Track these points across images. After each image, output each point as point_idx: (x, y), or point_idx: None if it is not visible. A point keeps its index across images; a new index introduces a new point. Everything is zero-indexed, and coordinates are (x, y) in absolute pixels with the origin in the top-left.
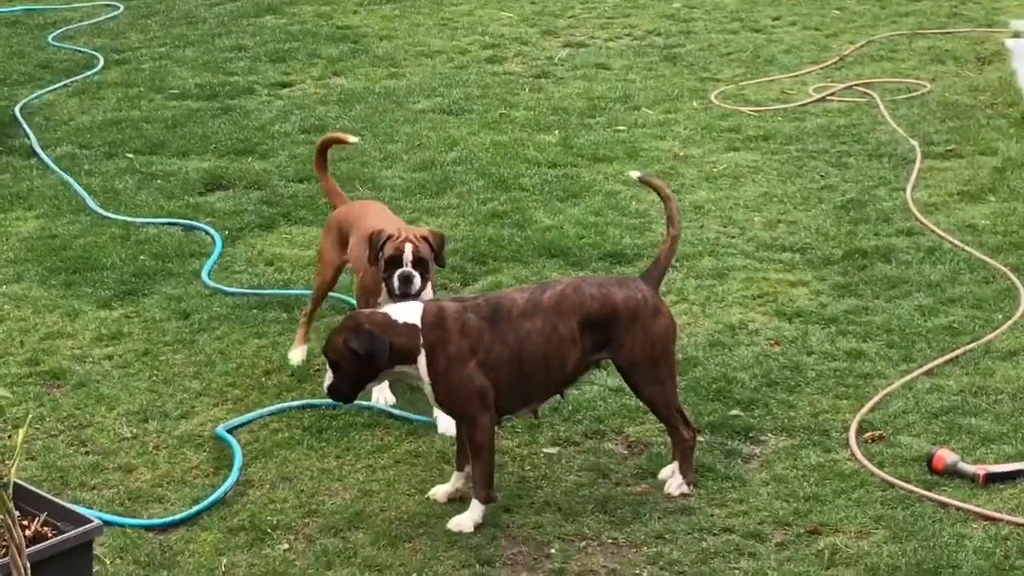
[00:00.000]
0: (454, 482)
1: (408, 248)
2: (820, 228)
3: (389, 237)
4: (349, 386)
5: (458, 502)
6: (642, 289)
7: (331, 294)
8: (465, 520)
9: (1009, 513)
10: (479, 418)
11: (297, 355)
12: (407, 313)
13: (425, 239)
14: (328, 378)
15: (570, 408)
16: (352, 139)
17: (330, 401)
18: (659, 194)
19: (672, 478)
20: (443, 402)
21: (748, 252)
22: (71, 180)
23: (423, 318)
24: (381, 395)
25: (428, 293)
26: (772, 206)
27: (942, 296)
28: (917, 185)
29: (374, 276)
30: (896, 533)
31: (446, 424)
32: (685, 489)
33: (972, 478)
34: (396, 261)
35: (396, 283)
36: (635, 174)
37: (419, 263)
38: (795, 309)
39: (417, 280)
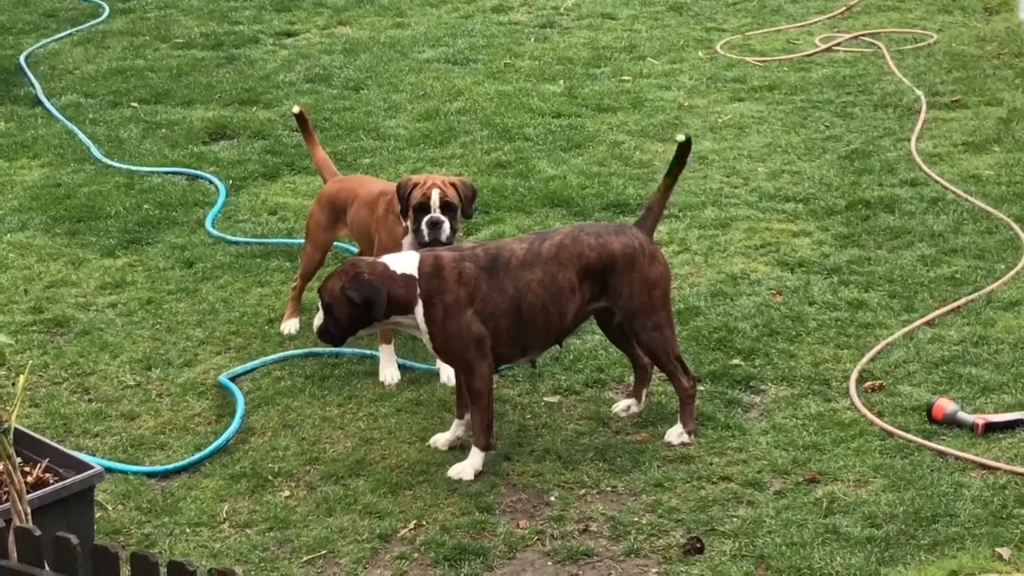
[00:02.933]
0: (454, 430)
1: (435, 193)
2: (824, 178)
3: (416, 184)
4: (341, 331)
5: (459, 450)
6: (638, 236)
7: (336, 244)
8: (465, 468)
9: (1007, 462)
10: (476, 366)
11: (290, 326)
12: (405, 263)
13: (453, 185)
14: (319, 319)
15: (571, 357)
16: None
17: (332, 350)
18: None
19: (672, 427)
20: (441, 351)
21: (751, 202)
22: (76, 129)
23: (420, 268)
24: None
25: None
26: (776, 156)
27: (945, 246)
28: (922, 136)
29: (392, 233)
30: (894, 482)
31: (448, 373)
32: (685, 439)
33: (971, 427)
34: (424, 207)
35: (425, 230)
36: (681, 137)
37: (447, 208)
38: (797, 259)
39: (446, 225)
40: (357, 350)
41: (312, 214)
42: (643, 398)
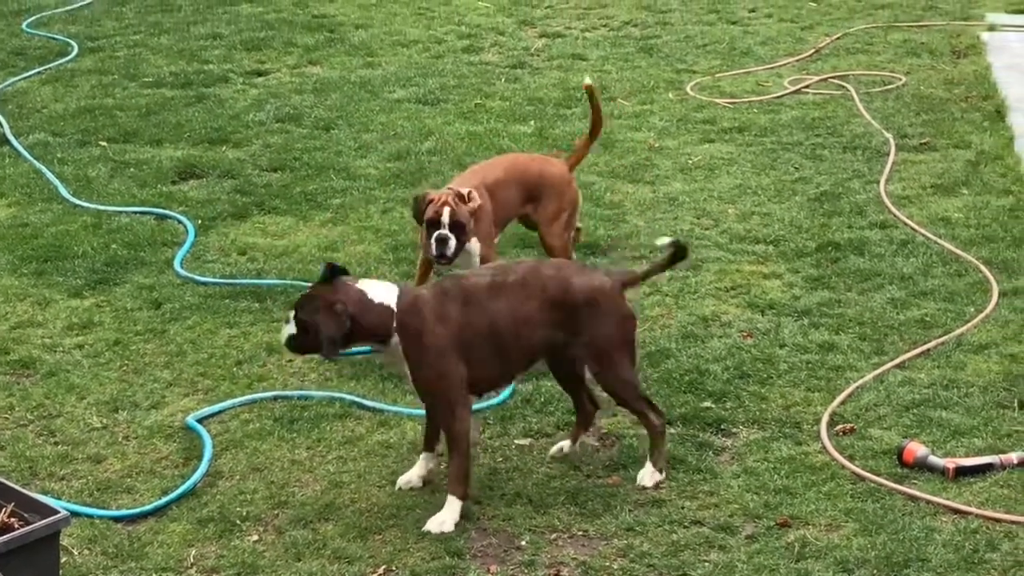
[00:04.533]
0: (423, 464)
1: (446, 212)
2: (794, 220)
3: (431, 200)
4: (303, 349)
5: (429, 493)
6: (604, 278)
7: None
8: (445, 519)
9: (979, 507)
10: (457, 408)
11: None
12: (383, 294)
13: (463, 198)
14: (288, 329)
15: (542, 400)
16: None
17: (302, 393)
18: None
19: (643, 468)
20: (422, 390)
21: (722, 244)
22: (43, 168)
23: (399, 302)
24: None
25: (475, 254)
26: (746, 198)
27: (914, 289)
28: (891, 178)
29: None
30: (866, 526)
31: None
32: (658, 477)
33: (942, 471)
34: (435, 223)
35: (433, 244)
36: (663, 240)
37: (456, 226)
38: (768, 301)
39: (452, 243)
40: (326, 393)
41: None
42: (578, 441)
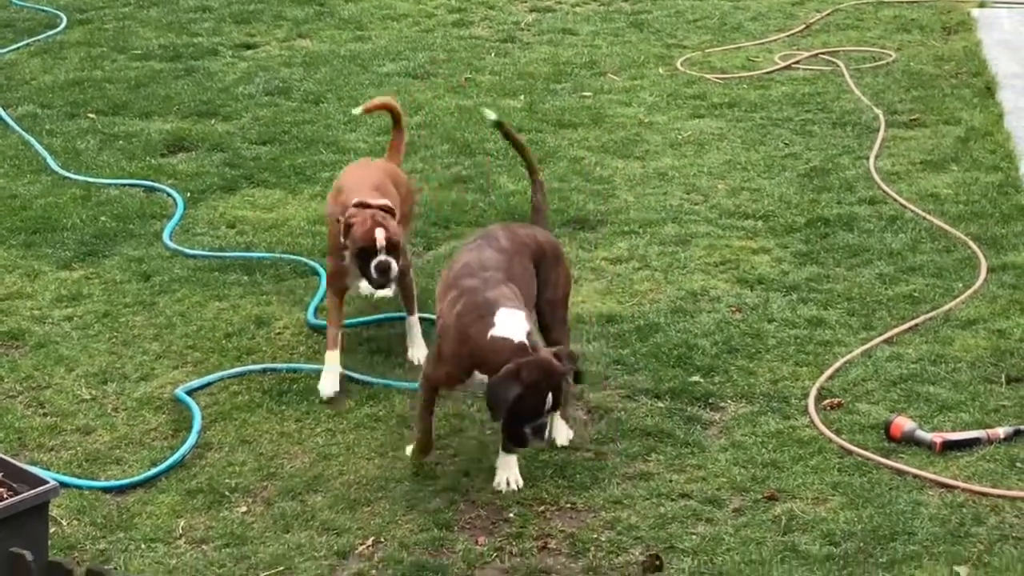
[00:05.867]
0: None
1: (380, 233)
2: (783, 196)
3: (355, 222)
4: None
5: (423, 476)
6: (549, 233)
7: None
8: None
9: (965, 481)
10: None
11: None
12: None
13: (390, 212)
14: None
15: None
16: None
17: (290, 366)
18: (513, 142)
19: (560, 427)
20: None
21: (711, 219)
22: (32, 140)
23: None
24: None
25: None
26: (736, 173)
27: (903, 265)
28: (880, 154)
29: (337, 263)
30: (853, 499)
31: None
32: (571, 433)
33: (929, 446)
34: (369, 250)
35: (375, 275)
36: (490, 114)
37: (392, 248)
38: (757, 276)
39: (394, 266)
40: (315, 366)
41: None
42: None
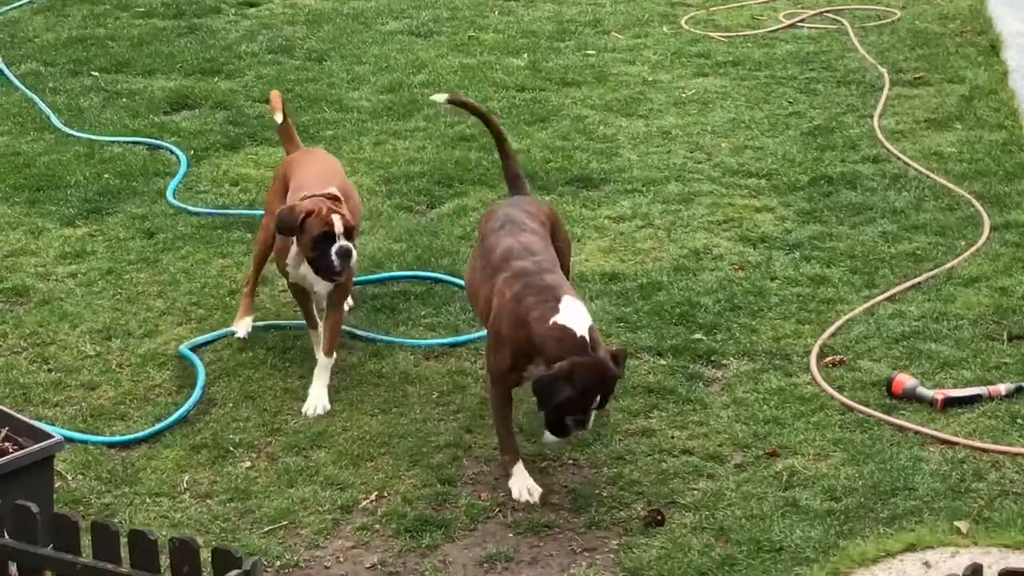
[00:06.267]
0: None
1: (337, 220)
2: (787, 154)
3: (309, 213)
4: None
5: (421, 422)
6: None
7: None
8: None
9: (966, 437)
10: None
11: (242, 328)
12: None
13: (339, 199)
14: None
15: None
16: (278, 117)
17: (295, 323)
18: (476, 114)
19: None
20: None
21: (714, 178)
22: (35, 98)
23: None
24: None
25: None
26: (740, 132)
27: (906, 223)
28: (884, 112)
29: (282, 261)
30: (854, 456)
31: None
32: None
33: (930, 402)
34: (329, 236)
35: (336, 261)
36: (439, 97)
37: (350, 233)
38: (760, 234)
39: (354, 252)
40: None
41: (270, 185)
42: None
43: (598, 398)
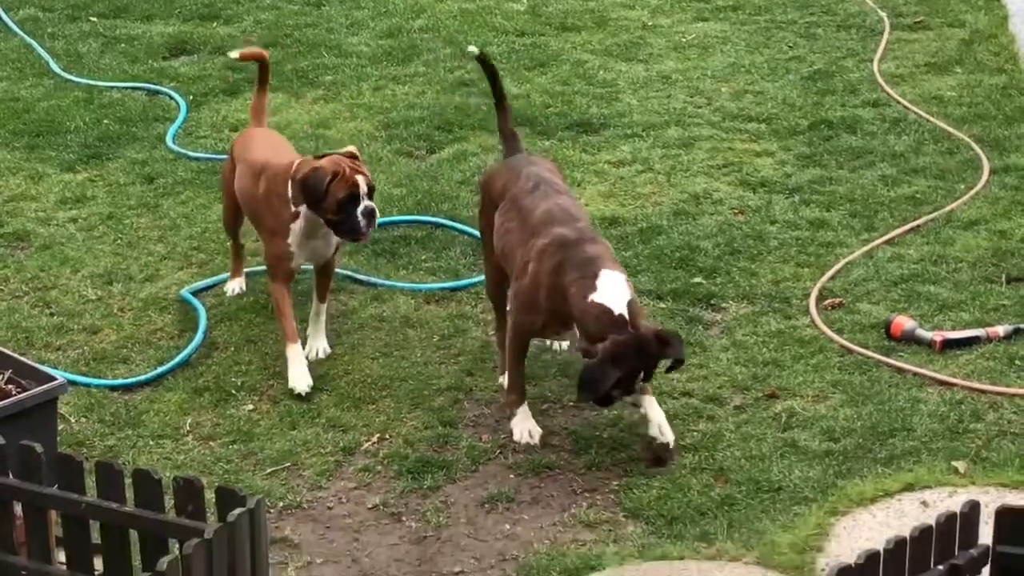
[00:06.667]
0: None
1: (362, 180)
2: (787, 99)
3: (335, 175)
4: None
5: (422, 364)
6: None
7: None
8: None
9: (964, 378)
10: None
11: (235, 286)
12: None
13: (358, 158)
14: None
15: None
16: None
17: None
18: (489, 72)
19: None
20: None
21: (714, 122)
22: (34, 43)
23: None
24: None
25: None
26: (739, 76)
27: (905, 166)
28: (884, 57)
29: (279, 218)
30: (852, 397)
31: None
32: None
33: (929, 344)
34: (354, 197)
35: (362, 221)
36: (474, 49)
37: (372, 192)
38: (760, 179)
39: (376, 211)
40: None
41: (226, 162)
42: None
43: (642, 373)
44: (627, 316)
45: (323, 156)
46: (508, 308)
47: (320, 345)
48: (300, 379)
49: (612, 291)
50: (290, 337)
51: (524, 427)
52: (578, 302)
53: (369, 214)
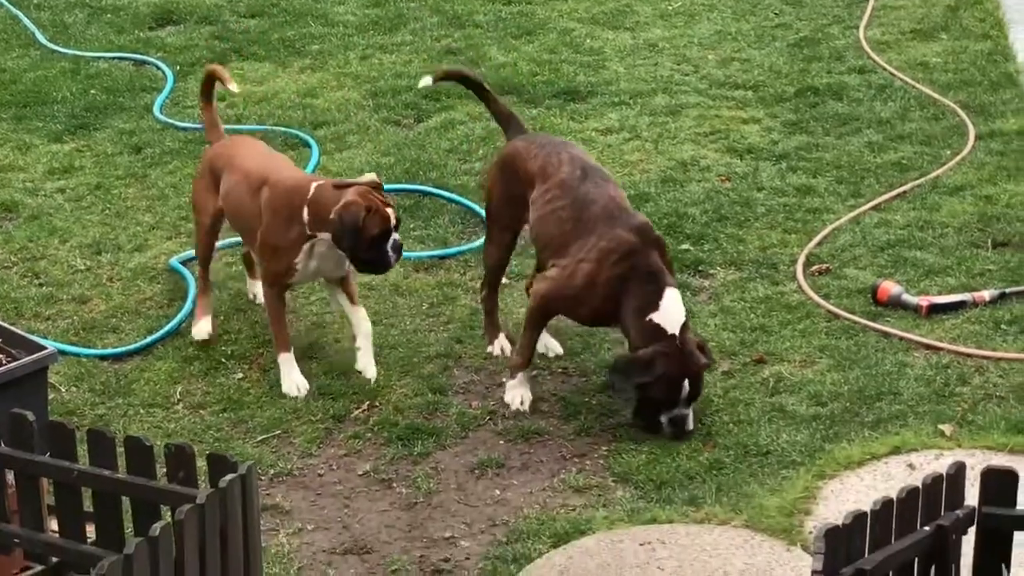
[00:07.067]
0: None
1: (392, 213)
2: (773, 66)
3: (369, 210)
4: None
5: (411, 332)
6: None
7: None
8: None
9: (950, 342)
10: None
11: (202, 330)
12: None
13: (380, 187)
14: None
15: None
16: (234, 87)
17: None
18: (460, 79)
19: None
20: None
21: (701, 90)
22: (20, 14)
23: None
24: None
25: None
26: (726, 44)
27: (892, 133)
28: (870, 23)
29: (285, 238)
30: (839, 362)
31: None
32: None
33: (915, 309)
34: (385, 234)
35: (392, 255)
36: (425, 81)
37: (398, 224)
38: (746, 146)
39: (402, 246)
40: None
41: (196, 177)
42: None
43: (686, 385)
44: (679, 338)
45: (344, 183)
46: (539, 285)
47: (367, 365)
48: (294, 385)
49: (672, 312)
50: (282, 346)
51: (518, 393)
52: (636, 319)
53: (398, 249)
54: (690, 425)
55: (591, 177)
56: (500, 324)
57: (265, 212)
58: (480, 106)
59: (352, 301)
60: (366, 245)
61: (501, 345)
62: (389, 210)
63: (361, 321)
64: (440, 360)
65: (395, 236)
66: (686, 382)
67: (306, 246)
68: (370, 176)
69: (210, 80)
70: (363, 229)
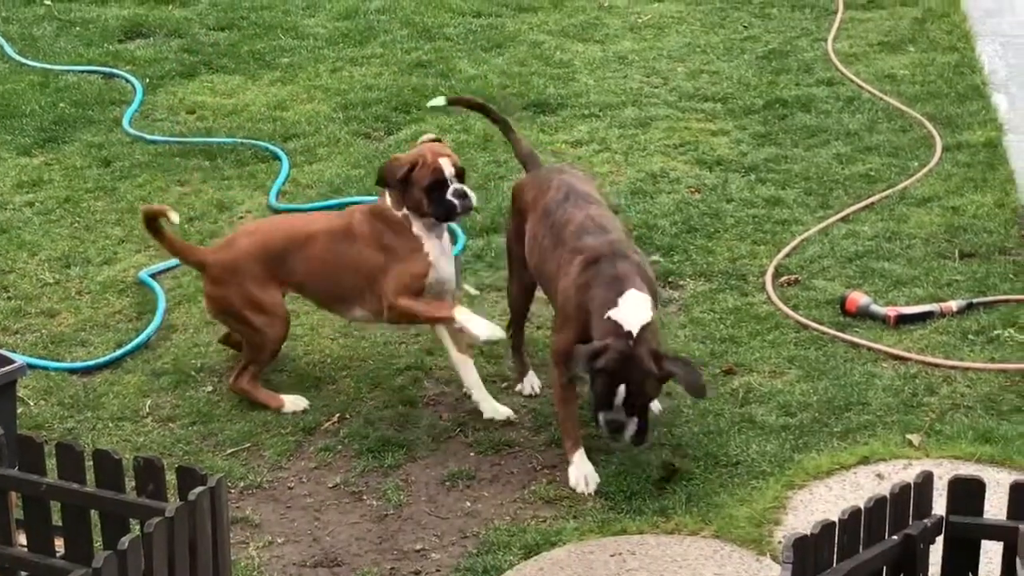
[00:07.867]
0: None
1: (446, 163)
2: (742, 78)
3: (415, 164)
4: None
5: (381, 344)
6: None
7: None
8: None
9: (918, 353)
10: None
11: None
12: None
13: (442, 143)
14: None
15: (493, 254)
16: (175, 217)
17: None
18: (476, 108)
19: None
20: None
21: (671, 102)
22: None
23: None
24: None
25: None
26: (695, 56)
27: (860, 144)
28: (838, 36)
29: (408, 246)
30: (808, 372)
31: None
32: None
33: (883, 319)
34: (440, 183)
35: (456, 202)
36: (438, 101)
37: (461, 175)
38: (716, 157)
39: (470, 193)
40: None
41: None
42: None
43: (622, 390)
44: (635, 336)
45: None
46: (552, 343)
47: (494, 411)
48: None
49: (631, 311)
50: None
51: (581, 473)
52: (597, 319)
53: (460, 195)
54: (628, 436)
55: (572, 199)
56: (527, 362)
57: (369, 243)
58: (451, 119)
59: (459, 349)
60: (425, 197)
61: (531, 383)
62: (441, 160)
63: (468, 372)
64: (410, 372)
65: (455, 185)
66: (622, 387)
67: (415, 228)
68: (428, 136)
69: (151, 219)
70: (414, 181)
